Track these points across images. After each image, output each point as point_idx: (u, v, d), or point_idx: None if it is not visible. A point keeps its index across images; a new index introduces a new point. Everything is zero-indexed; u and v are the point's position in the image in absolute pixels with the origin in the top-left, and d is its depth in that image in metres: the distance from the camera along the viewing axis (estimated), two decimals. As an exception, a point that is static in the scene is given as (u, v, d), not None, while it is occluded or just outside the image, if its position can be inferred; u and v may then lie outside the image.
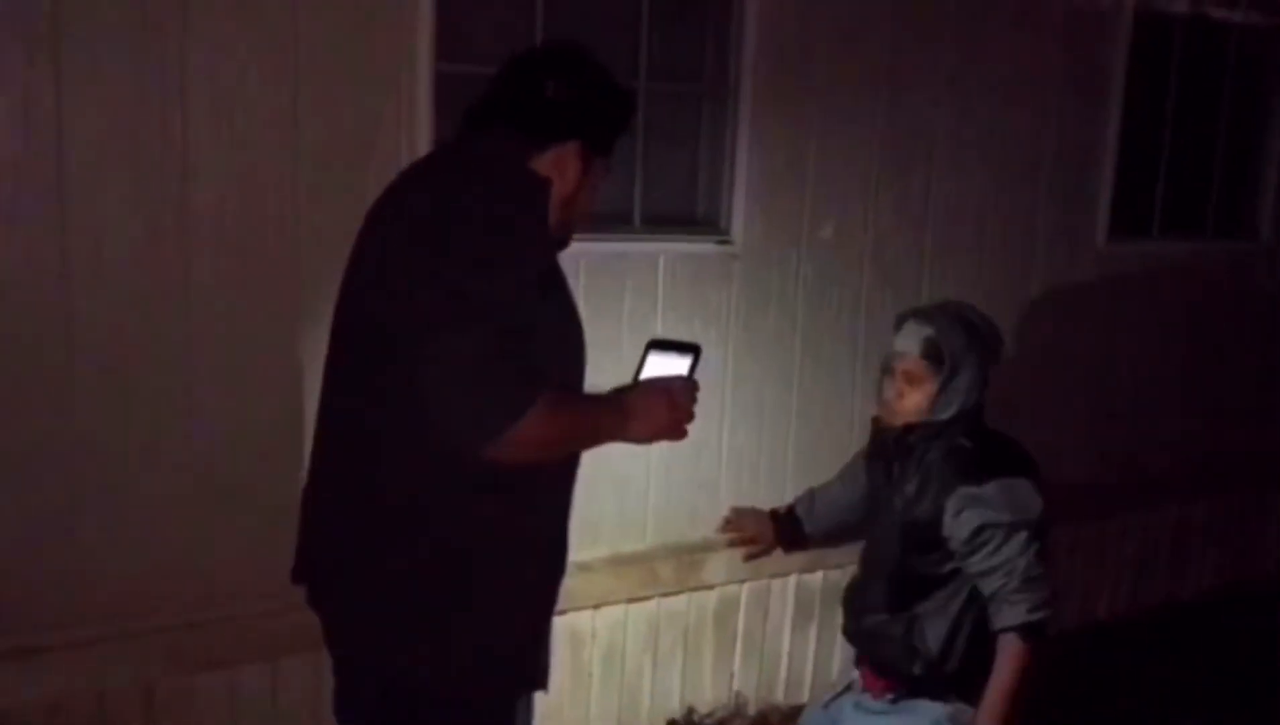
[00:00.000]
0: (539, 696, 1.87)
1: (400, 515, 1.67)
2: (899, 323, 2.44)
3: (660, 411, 1.76)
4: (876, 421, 2.55)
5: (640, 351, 1.84)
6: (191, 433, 2.40)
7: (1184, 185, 4.08)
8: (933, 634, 2.32)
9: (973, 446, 2.33)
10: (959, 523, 2.26)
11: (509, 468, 1.60)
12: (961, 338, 2.34)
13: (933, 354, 2.33)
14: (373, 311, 1.67)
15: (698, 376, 1.81)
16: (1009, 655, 2.23)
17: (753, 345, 3.13)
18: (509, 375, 1.54)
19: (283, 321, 2.45)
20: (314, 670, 2.51)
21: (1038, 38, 3.50)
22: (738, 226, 3.05)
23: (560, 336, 1.73)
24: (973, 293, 2.82)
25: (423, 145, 2.53)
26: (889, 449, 2.45)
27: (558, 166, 1.74)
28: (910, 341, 2.37)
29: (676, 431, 1.79)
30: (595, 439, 1.76)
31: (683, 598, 3.11)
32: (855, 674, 2.52)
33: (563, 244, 1.83)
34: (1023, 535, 2.24)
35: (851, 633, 2.52)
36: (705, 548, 3.10)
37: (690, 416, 1.79)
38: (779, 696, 3.33)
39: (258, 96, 2.37)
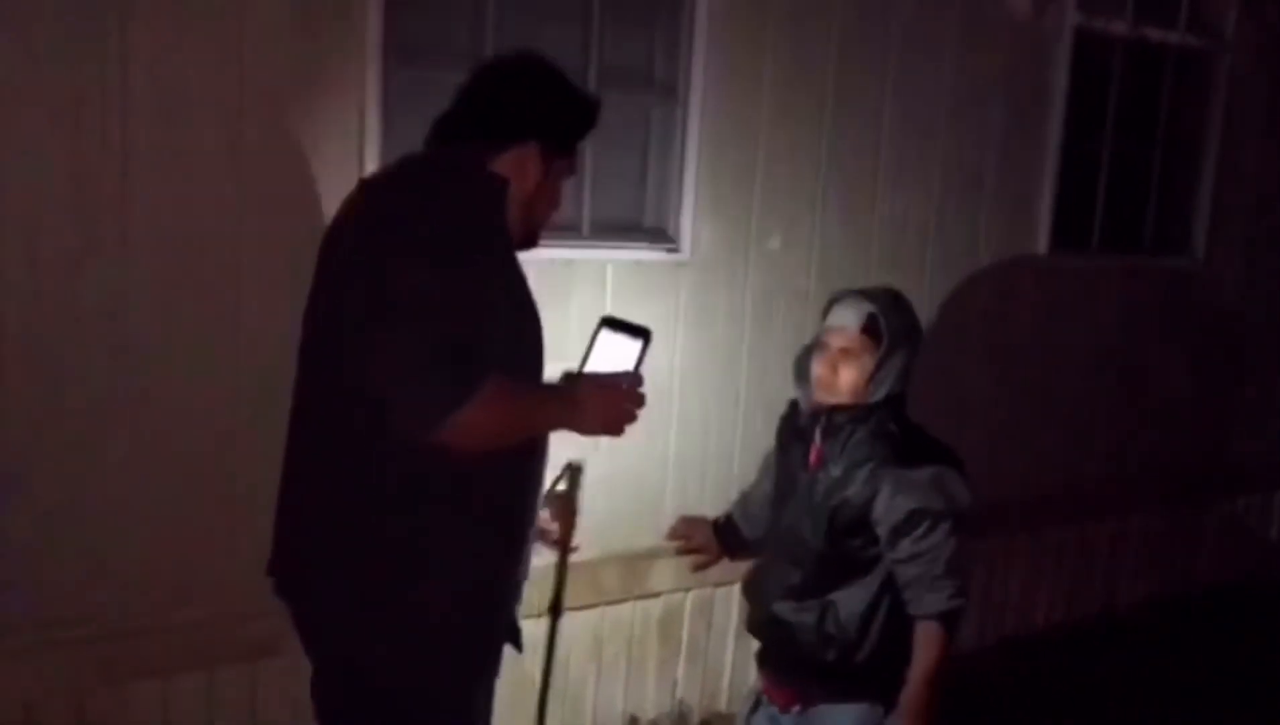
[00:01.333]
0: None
1: (363, 506, 1.72)
2: (835, 299, 2.39)
3: (608, 407, 1.82)
4: (794, 404, 2.49)
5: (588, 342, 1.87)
6: (127, 441, 2.35)
7: (1123, 201, 4.17)
8: (847, 615, 2.29)
9: (900, 432, 2.31)
10: (893, 506, 2.25)
11: (465, 456, 1.65)
12: (899, 318, 2.33)
13: (872, 329, 2.29)
14: (336, 311, 1.72)
15: (646, 366, 1.84)
16: (931, 641, 2.23)
17: (700, 354, 3.14)
18: (454, 364, 1.59)
19: (223, 328, 2.41)
20: (251, 679, 2.48)
21: (982, 54, 3.56)
22: (686, 235, 3.06)
23: (517, 330, 1.77)
24: (916, 302, 2.84)
25: (371, 146, 2.51)
26: (808, 432, 2.40)
27: (517, 167, 1.79)
28: (850, 316, 2.32)
29: (625, 421, 1.84)
30: (544, 426, 1.83)
31: (627, 606, 3.11)
32: (759, 684, 2.49)
33: (529, 242, 1.88)
34: (948, 524, 2.25)
35: (759, 622, 2.46)
36: (650, 556, 3.10)
37: (638, 407, 1.83)
38: (722, 705, 3.34)
39: (199, 98, 2.33)
